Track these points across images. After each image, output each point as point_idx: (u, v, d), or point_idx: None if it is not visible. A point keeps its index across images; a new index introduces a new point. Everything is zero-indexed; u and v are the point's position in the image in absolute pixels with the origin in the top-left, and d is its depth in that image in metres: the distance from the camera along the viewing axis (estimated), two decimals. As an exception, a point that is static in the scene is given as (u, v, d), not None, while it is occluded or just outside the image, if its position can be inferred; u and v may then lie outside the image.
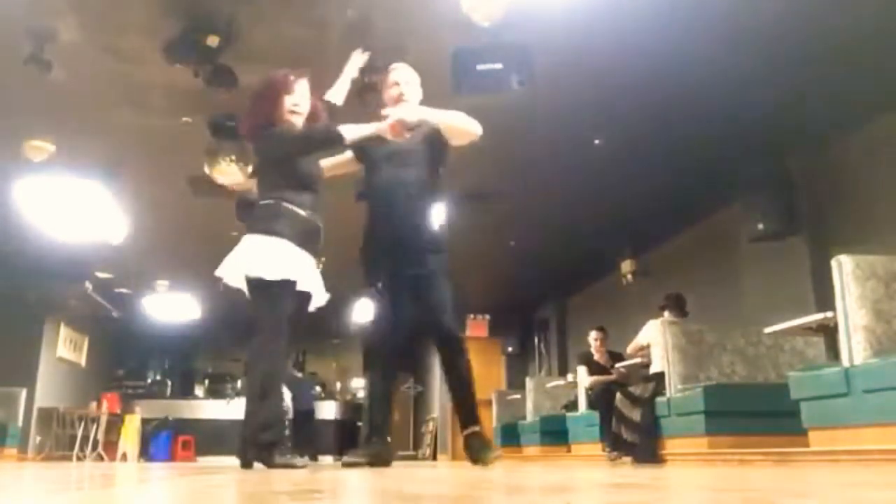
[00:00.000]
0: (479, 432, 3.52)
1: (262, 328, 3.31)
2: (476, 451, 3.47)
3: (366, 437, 3.55)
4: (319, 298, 3.47)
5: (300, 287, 3.32)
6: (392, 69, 3.77)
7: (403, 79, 3.70)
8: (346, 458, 3.51)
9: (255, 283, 3.29)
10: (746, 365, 5.58)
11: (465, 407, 3.57)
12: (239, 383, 15.96)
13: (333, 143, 3.39)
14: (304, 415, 10.09)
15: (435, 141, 3.58)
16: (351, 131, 3.34)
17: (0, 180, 6.51)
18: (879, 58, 4.89)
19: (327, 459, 11.39)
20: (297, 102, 3.43)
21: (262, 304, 3.32)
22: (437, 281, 3.55)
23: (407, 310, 3.54)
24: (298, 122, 3.44)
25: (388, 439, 3.59)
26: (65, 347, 11.54)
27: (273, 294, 3.26)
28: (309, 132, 3.42)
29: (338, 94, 3.69)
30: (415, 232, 3.53)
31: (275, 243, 3.27)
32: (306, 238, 3.34)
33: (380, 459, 3.44)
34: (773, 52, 4.81)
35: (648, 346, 6.04)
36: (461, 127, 3.52)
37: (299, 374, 13.67)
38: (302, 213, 3.32)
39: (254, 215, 3.38)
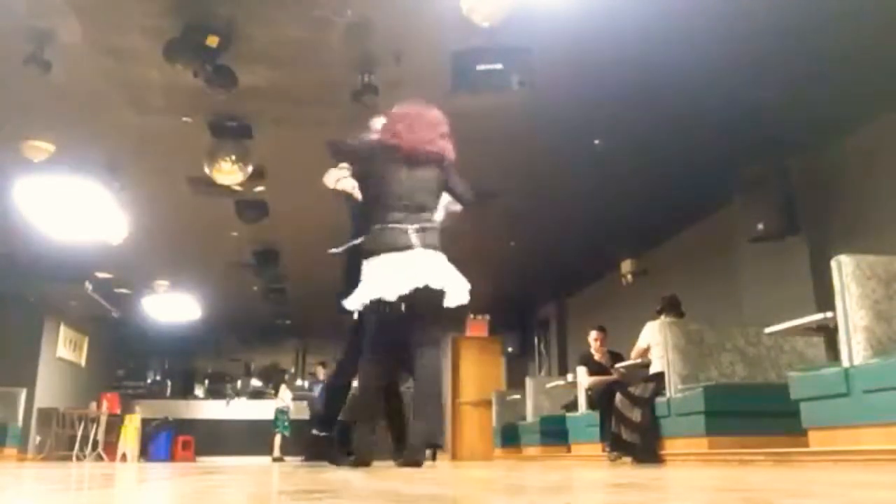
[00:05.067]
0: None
1: (434, 344, 3.57)
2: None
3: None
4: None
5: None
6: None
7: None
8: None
9: (440, 296, 3.47)
10: (746, 365, 5.57)
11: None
12: (239, 383, 16.01)
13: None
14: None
15: None
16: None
17: (0, 180, 6.50)
18: (879, 58, 4.88)
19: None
20: None
21: (440, 320, 3.59)
22: None
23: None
24: None
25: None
26: (65, 347, 11.53)
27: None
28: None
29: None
30: None
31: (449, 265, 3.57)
32: None
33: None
34: (772, 52, 4.81)
35: (649, 348, 6.04)
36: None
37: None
38: None
39: (430, 235, 3.57)
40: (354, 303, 3.49)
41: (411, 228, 3.46)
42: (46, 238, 7.36)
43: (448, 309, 3.50)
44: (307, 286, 10.10)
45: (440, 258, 3.52)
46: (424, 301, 3.43)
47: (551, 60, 4.66)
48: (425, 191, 3.57)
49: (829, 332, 4.37)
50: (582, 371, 7.17)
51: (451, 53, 4.45)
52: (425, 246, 3.46)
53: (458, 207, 3.97)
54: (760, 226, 6.08)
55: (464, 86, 4.42)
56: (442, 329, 3.54)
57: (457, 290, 3.51)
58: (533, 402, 8.70)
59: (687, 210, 7.56)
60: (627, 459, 5.70)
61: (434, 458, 3.70)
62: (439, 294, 3.45)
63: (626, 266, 8.92)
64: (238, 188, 6.45)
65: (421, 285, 3.40)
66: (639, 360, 6.26)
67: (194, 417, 13.96)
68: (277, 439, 12.05)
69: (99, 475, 3.35)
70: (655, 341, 5.85)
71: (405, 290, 3.40)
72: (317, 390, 12.45)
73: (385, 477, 2.56)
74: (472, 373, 11.51)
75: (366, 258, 3.53)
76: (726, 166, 6.15)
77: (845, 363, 3.77)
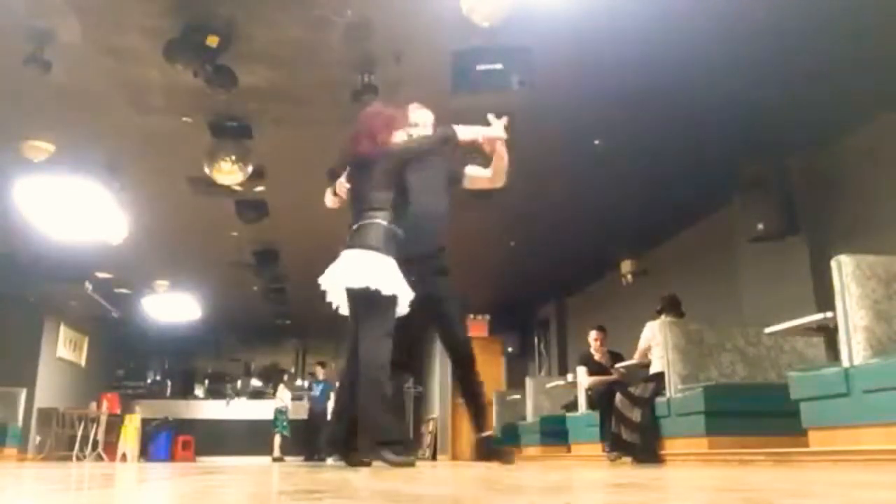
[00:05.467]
0: (491, 436, 3.85)
1: (370, 337, 3.48)
2: (492, 452, 3.77)
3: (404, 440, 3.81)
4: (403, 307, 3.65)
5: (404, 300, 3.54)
6: (411, 109, 3.94)
7: (421, 122, 3.90)
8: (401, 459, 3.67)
9: (370, 295, 3.43)
10: (746, 365, 5.57)
11: (478, 415, 3.85)
12: (239, 383, 16.01)
13: (449, 139, 3.68)
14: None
15: (454, 179, 3.94)
16: (462, 132, 3.69)
17: (0, 180, 6.51)
18: (879, 58, 4.88)
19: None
20: (411, 133, 3.82)
21: (374, 315, 3.48)
22: (454, 304, 3.87)
23: (417, 322, 3.78)
24: None
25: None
26: (65, 347, 11.53)
27: (386, 306, 3.46)
28: (427, 137, 3.77)
29: (462, 133, 3.77)
30: (434, 256, 3.82)
31: (384, 261, 3.48)
32: (401, 252, 3.58)
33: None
34: (772, 52, 4.81)
35: (650, 348, 6.04)
36: (503, 175, 3.91)
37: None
38: (399, 231, 3.58)
39: (361, 233, 3.55)
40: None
41: (349, 234, 3.58)
42: (46, 238, 7.37)
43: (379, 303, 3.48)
44: (307, 286, 10.04)
45: (360, 256, 3.50)
46: (350, 298, 3.54)
47: (551, 60, 4.66)
48: (369, 188, 3.62)
49: (829, 332, 4.37)
50: (582, 371, 7.18)
51: (451, 53, 4.45)
52: (349, 246, 3.53)
53: (480, 171, 3.91)
54: (760, 226, 6.08)
55: (464, 86, 4.42)
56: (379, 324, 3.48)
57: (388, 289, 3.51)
58: (533, 402, 8.71)
59: (687, 210, 7.56)
60: (627, 459, 5.70)
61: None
62: (358, 290, 3.45)
63: (626, 266, 8.92)
64: (238, 188, 6.45)
65: (333, 284, 3.53)
66: (639, 361, 6.26)
67: (194, 417, 13.95)
68: (277, 439, 12.05)
69: (99, 475, 3.35)
70: (656, 341, 5.85)
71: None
72: (317, 390, 12.47)
73: (385, 477, 2.56)
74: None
75: None
76: (726, 166, 6.15)
77: (845, 363, 3.77)
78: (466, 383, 3.83)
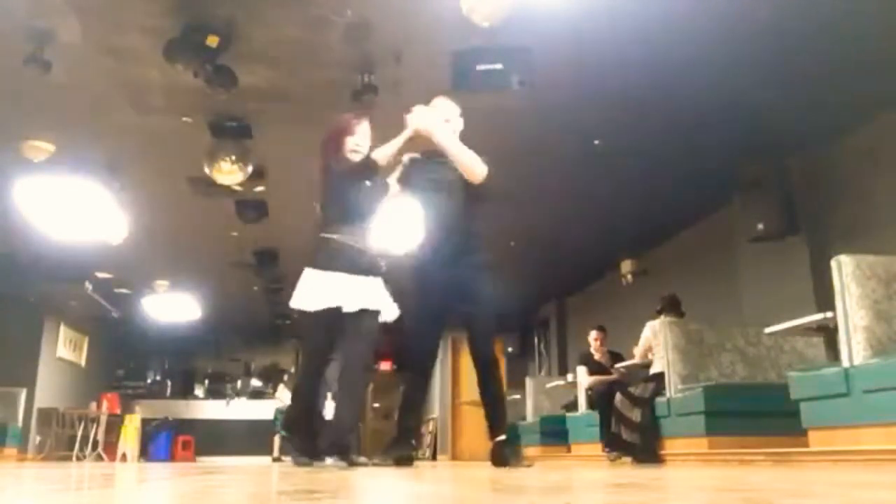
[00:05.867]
0: (504, 441, 3.74)
1: (303, 351, 3.68)
2: (503, 457, 3.69)
3: (394, 440, 3.81)
4: (389, 314, 3.69)
5: (347, 309, 3.55)
6: (434, 105, 3.90)
7: (446, 116, 3.85)
8: (375, 460, 3.76)
9: (302, 314, 3.62)
10: (746, 365, 5.57)
11: (492, 417, 3.79)
12: (239, 383, 16.02)
13: (369, 168, 3.69)
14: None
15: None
16: (381, 152, 3.68)
17: (0, 180, 6.50)
18: (879, 58, 4.88)
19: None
20: (359, 143, 3.76)
21: (308, 333, 3.71)
22: (484, 307, 3.78)
23: (439, 324, 3.85)
24: (357, 158, 3.74)
25: (414, 442, 3.93)
26: (65, 347, 11.53)
27: (310, 323, 3.61)
28: (349, 166, 3.73)
29: (382, 153, 3.76)
30: (459, 256, 3.73)
31: (321, 276, 3.58)
32: (357, 264, 3.60)
33: (405, 461, 3.73)
34: (773, 52, 4.81)
35: (650, 348, 6.04)
36: (466, 165, 3.72)
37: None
38: (354, 244, 3.61)
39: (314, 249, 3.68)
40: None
41: None
42: (46, 238, 7.36)
43: (299, 322, 3.67)
44: (307, 286, 10.08)
45: (305, 276, 3.66)
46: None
47: (551, 60, 4.66)
48: (322, 202, 3.76)
49: (829, 332, 4.37)
50: (582, 371, 7.18)
51: (451, 53, 4.45)
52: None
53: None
54: (760, 226, 6.08)
55: (464, 86, 4.42)
56: (304, 340, 3.69)
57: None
58: (533, 402, 8.71)
59: (687, 210, 7.56)
60: (627, 459, 5.71)
61: (407, 461, 3.77)
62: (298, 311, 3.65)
63: (626, 266, 8.92)
64: (238, 188, 6.45)
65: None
66: (638, 360, 6.26)
67: (194, 417, 13.96)
68: (277, 439, 12.05)
69: (99, 475, 3.35)
70: (656, 341, 5.85)
71: None
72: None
73: (384, 477, 2.56)
74: (472, 373, 11.50)
75: None
76: (726, 166, 6.15)
77: (845, 363, 3.78)
78: (484, 384, 3.80)
